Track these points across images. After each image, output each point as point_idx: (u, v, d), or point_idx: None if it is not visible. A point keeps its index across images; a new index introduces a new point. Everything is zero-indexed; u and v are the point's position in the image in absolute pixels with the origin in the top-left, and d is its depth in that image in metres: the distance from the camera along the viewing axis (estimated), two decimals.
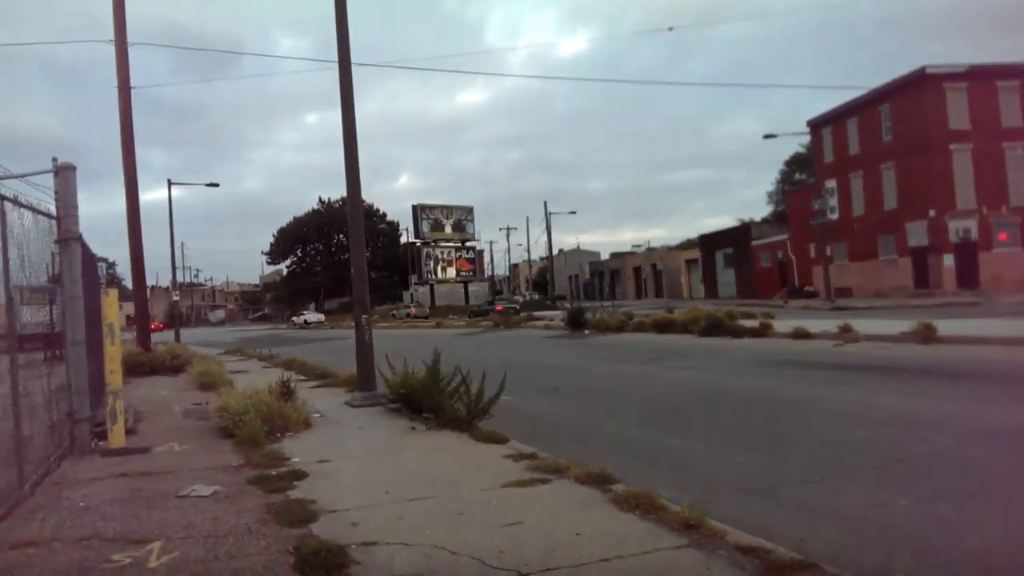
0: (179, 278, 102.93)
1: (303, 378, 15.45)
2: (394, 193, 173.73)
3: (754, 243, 56.21)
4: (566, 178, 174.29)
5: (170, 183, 36.81)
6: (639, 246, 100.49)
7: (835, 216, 39.43)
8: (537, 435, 8.40)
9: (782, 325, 20.57)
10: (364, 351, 10.75)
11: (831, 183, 40.71)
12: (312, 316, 71.67)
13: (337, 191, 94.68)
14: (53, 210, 7.39)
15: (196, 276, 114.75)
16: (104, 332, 7.75)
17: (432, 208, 72.92)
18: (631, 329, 25.01)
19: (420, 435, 8.21)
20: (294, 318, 71.11)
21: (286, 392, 9.18)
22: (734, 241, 59.66)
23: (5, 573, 4.04)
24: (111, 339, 7.71)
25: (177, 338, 37.67)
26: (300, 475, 6.30)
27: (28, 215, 6.65)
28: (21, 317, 9.65)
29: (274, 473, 6.31)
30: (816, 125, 45.84)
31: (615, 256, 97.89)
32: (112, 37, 17.43)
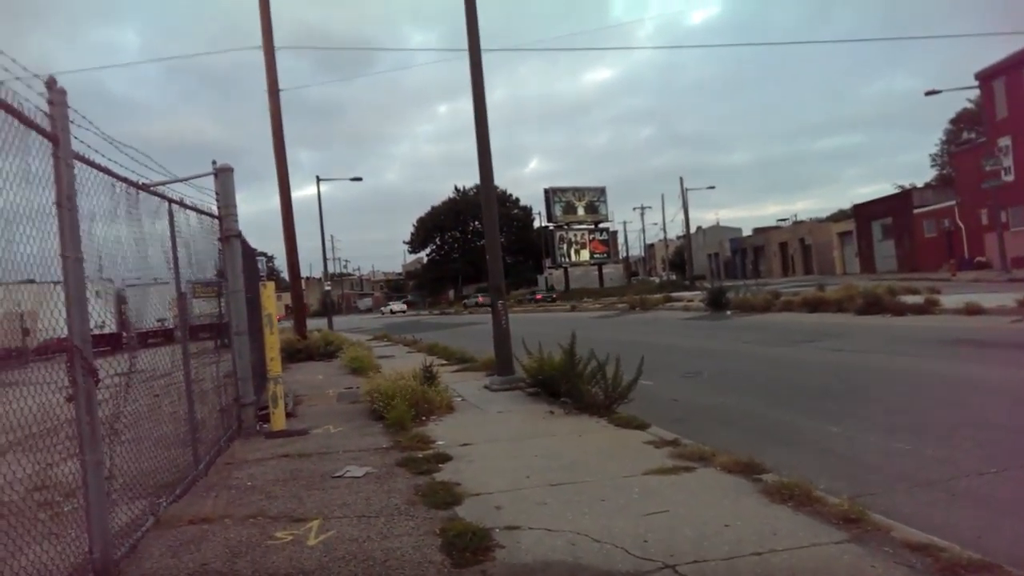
0: (330, 269, 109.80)
1: (444, 363, 15.98)
2: (525, 178, 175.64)
3: (916, 211, 51.61)
4: (702, 152, 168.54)
5: (319, 180, 39.13)
6: (785, 220, 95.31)
7: (1011, 178, 35.32)
8: (678, 420, 8.16)
9: (950, 300, 18.77)
10: (501, 336, 10.89)
11: (1005, 141, 36.51)
12: (397, 306, 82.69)
13: (471, 179, 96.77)
14: (215, 210, 7.99)
15: (345, 266, 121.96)
16: (264, 322, 8.32)
17: (564, 191, 72.78)
18: (778, 309, 23.74)
19: (559, 419, 8.19)
20: (382, 308, 77.86)
21: (429, 377, 9.48)
22: (893, 210, 55.08)
23: (184, 546, 4.42)
24: (270, 328, 8.26)
25: (330, 325, 40.15)
26: (444, 458, 6.47)
27: (193, 215, 7.25)
28: (193, 309, 10.62)
29: (420, 455, 6.52)
30: (986, 77, 41.19)
31: (758, 232, 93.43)
32: (260, 43, 18.65)
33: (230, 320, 8.24)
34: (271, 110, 19.01)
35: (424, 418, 8.48)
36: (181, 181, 6.87)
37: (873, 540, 3.94)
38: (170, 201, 6.06)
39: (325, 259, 43.85)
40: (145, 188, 5.44)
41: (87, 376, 3.85)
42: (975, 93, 44.01)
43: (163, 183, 6.44)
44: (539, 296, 65.33)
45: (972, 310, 16.75)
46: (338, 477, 5.98)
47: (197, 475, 6.05)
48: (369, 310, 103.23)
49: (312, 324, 44.14)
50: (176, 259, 6.05)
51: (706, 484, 5.28)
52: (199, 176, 7.93)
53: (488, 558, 4.06)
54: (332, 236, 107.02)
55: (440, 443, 7.14)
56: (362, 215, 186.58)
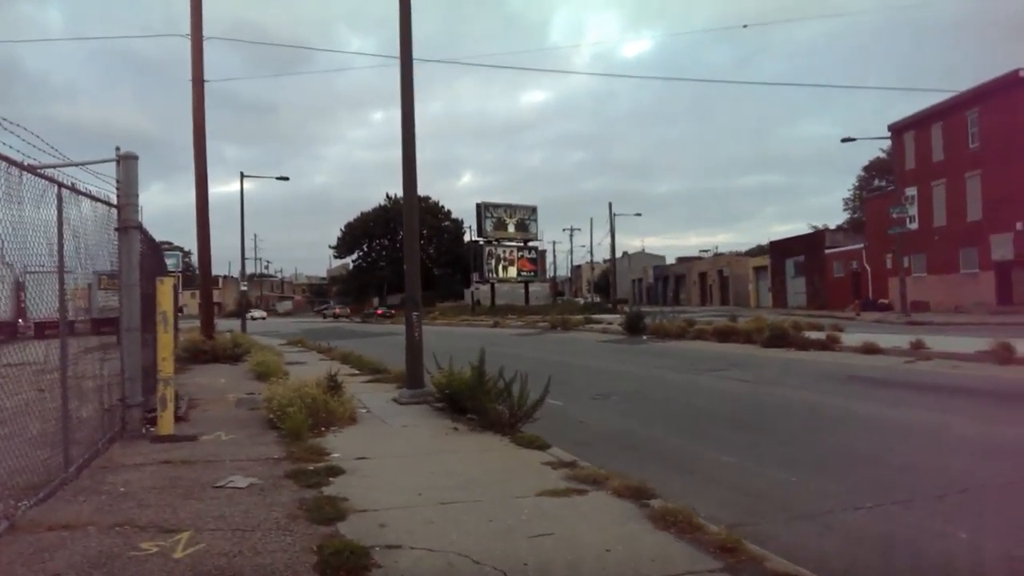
0: (251, 269, 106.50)
1: (356, 372, 15.66)
2: (457, 191, 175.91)
3: (827, 251, 54.22)
4: (631, 179, 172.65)
5: (242, 176, 38.11)
6: (707, 251, 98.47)
7: (915, 226, 37.59)
8: (582, 443, 8.21)
9: (851, 338, 19.68)
10: (413, 349, 10.74)
11: (912, 191, 38.89)
12: (331, 310, 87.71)
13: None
14: (114, 199, 7.59)
15: (267, 267, 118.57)
16: (157, 320, 7.93)
17: (496, 207, 73.02)
18: (691, 336, 24.40)
19: (462, 436, 8.11)
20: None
21: (333, 386, 9.23)
22: (806, 249, 57.71)
23: (37, 554, 4.11)
24: (164, 327, 7.88)
25: (243, 327, 38.85)
26: (337, 471, 6.28)
27: (89, 204, 6.86)
28: (97, 302, 10.01)
29: (311, 468, 6.31)
30: (898, 129, 43.84)
31: (681, 261, 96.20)
32: (188, 32, 18.02)
33: (122, 315, 7.82)
34: (194, 100, 18.34)
35: (324, 429, 8.24)
36: (76, 165, 6.51)
37: (746, 570, 4.02)
38: (59, 185, 5.71)
39: (243, 258, 42.63)
40: (31, 169, 5.10)
41: None
42: (887, 144, 46.67)
43: (56, 165, 6.09)
44: (379, 311, 72.22)
45: (870, 349, 17.61)
46: (220, 487, 5.71)
47: (67, 478, 5.67)
48: (289, 313, 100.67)
49: (227, 325, 42.73)
50: (62, 248, 5.70)
51: (596, 508, 5.29)
52: (99, 161, 7.54)
53: None
54: (255, 235, 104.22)
55: (335, 455, 6.94)
56: (289, 216, 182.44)
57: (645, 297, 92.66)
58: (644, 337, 25.77)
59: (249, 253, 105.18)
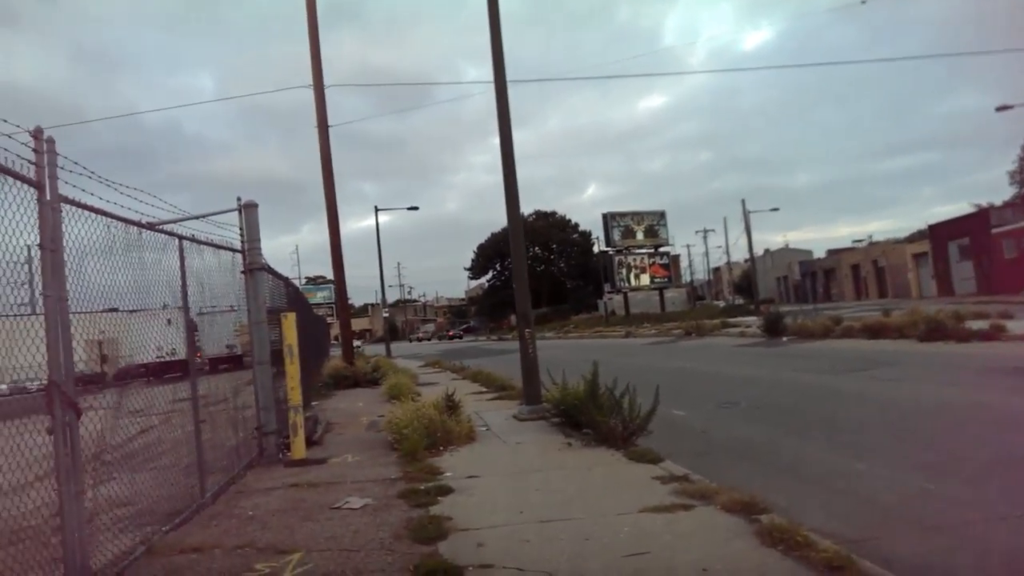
0: (395, 295, 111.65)
1: (484, 390, 15.99)
2: (583, 204, 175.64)
3: (995, 231, 49.06)
4: (765, 174, 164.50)
5: (376, 209, 40.16)
6: (860, 241, 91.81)
7: None
8: (700, 454, 7.94)
9: (1021, 326, 17.68)
10: (529, 364, 10.82)
11: None
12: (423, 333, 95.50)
13: (530, 205, 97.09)
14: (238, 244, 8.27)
15: (409, 293, 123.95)
16: (284, 352, 8.51)
17: (622, 215, 72.26)
18: (837, 335, 22.87)
19: (574, 452, 8.06)
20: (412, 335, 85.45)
21: (451, 406, 9.48)
22: (970, 230, 52.48)
23: (169, 574, 4.52)
24: (290, 359, 8.44)
25: (388, 352, 40.81)
26: (446, 490, 6.44)
27: (209, 250, 7.55)
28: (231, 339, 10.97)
29: (422, 488, 6.51)
30: None
31: (831, 253, 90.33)
32: (311, 82, 19.35)
33: (253, 350, 8.47)
34: (320, 144, 19.63)
35: (441, 448, 8.48)
36: (197, 218, 7.15)
37: None
38: (180, 238, 6.31)
39: (383, 286, 44.79)
40: (151, 227, 5.68)
41: (67, 410, 4.01)
42: None
43: (181, 220, 6.73)
44: (451, 333, 75.26)
45: None
46: (336, 508, 6.02)
47: (203, 504, 6.20)
48: (430, 336, 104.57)
49: (375, 350, 45.09)
50: (185, 291, 6.28)
51: (701, 524, 5.09)
52: (222, 212, 8.23)
53: None
54: (398, 263, 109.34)
55: (448, 475, 7.12)
56: (427, 243, 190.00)
57: (792, 295, 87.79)
58: (784, 339, 24.45)
59: (392, 280, 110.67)
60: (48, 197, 4.12)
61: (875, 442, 7.92)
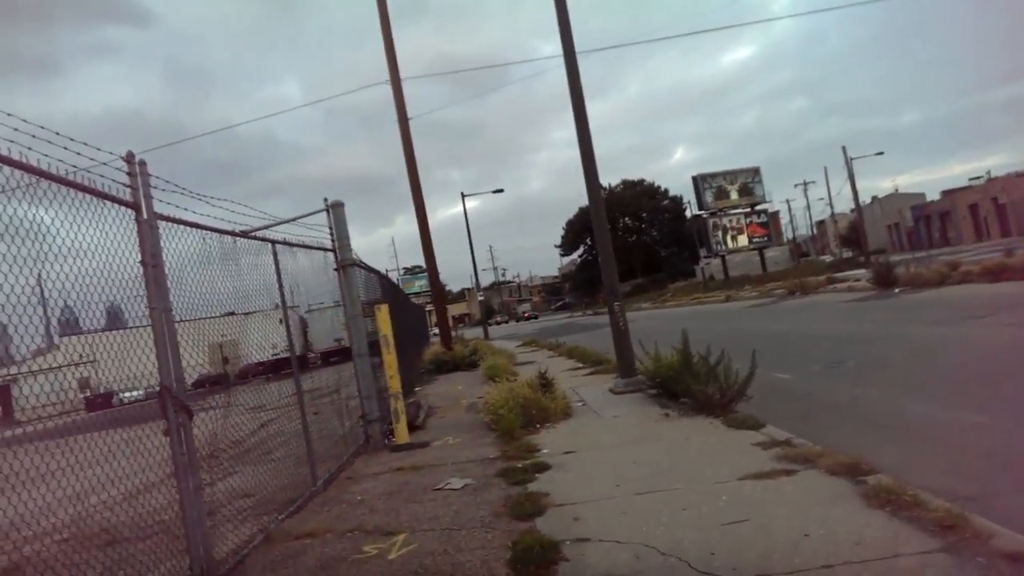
0: (490, 278, 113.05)
1: (580, 366, 16.00)
2: (671, 169, 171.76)
3: None
4: (866, 117, 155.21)
5: (463, 196, 40.63)
6: (977, 178, 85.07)
7: None
8: (806, 417, 7.68)
9: None
10: (621, 337, 10.74)
11: None
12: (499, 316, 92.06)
13: (615, 175, 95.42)
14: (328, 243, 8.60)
15: (503, 274, 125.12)
16: (380, 342, 8.82)
17: (714, 176, 70.11)
18: (954, 281, 21.41)
19: (671, 422, 7.97)
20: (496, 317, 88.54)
21: (545, 384, 9.56)
22: None
23: (282, 561, 4.83)
24: (387, 349, 8.74)
25: (485, 334, 41.50)
26: (543, 467, 6.53)
27: (307, 251, 7.90)
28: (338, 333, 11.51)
29: (519, 465, 6.63)
30: None
31: (945, 195, 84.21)
32: (388, 78, 19.75)
33: (351, 342, 8.82)
34: (402, 137, 20.05)
35: (538, 426, 8.58)
36: (288, 221, 7.49)
37: (968, 549, 3.53)
38: (273, 242, 6.63)
39: (476, 271, 45.49)
40: (244, 235, 6.00)
41: (179, 413, 4.33)
42: None
43: (272, 225, 7.07)
44: (526, 315, 71.80)
45: None
46: (438, 490, 6.23)
47: (315, 491, 6.55)
48: (527, 315, 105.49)
49: (474, 333, 45.99)
50: (282, 291, 6.61)
51: (804, 488, 4.94)
52: (311, 214, 8.57)
53: (551, 572, 4.08)
54: (491, 246, 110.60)
55: (544, 451, 7.21)
56: (516, 223, 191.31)
57: (906, 243, 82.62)
58: (896, 290, 23.11)
59: (486, 263, 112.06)
60: (145, 216, 4.42)
61: (995, 394, 7.41)
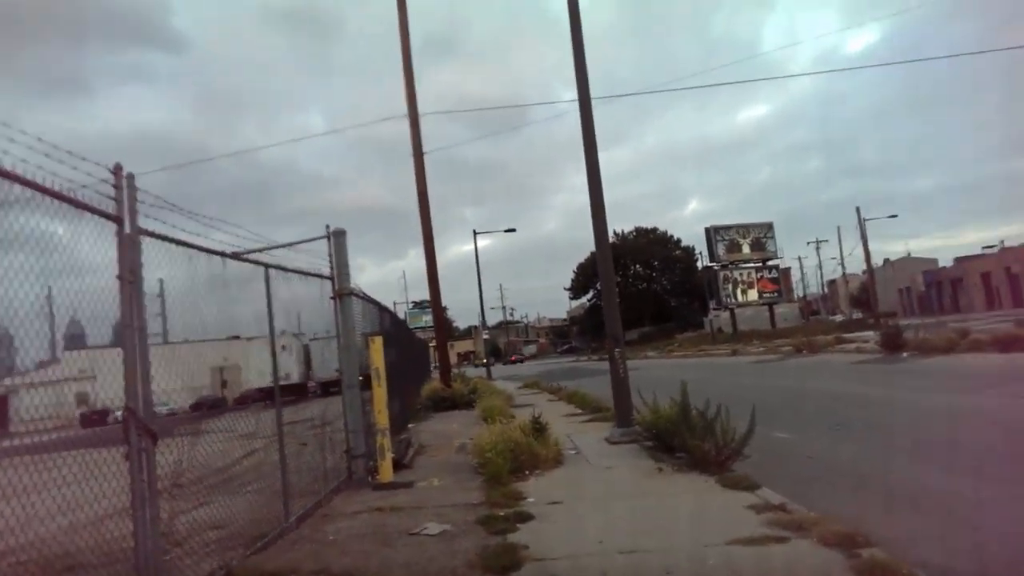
0: (498, 317, 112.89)
1: (578, 411, 15.71)
2: (684, 219, 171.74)
3: None
4: (881, 180, 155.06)
5: (475, 233, 40.74)
6: (991, 247, 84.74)
7: None
8: (803, 480, 7.40)
9: None
10: (620, 386, 10.51)
11: None
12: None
13: (629, 222, 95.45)
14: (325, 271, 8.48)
15: (511, 314, 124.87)
16: (372, 376, 8.62)
17: (727, 228, 70.04)
18: (963, 349, 21.05)
19: (664, 477, 7.69)
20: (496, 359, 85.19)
21: (538, 429, 9.31)
22: None
23: None
24: (377, 382, 8.54)
25: (488, 374, 41.16)
26: (526, 517, 6.27)
27: (314, 279, 7.81)
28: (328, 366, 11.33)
29: (502, 514, 6.37)
30: None
31: (958, 261, 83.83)
32: (405, 111, 19.91)
33: (342, 374, 8.63)
34: (416, 171, 20.11)
35: (528, 472, 8.32)
36: (285, 246, 7.38)
37: None
38: (266, 266, 6.52)
39: (483, 310, 45.61)
40: (235, 256, 5.88)
41: (143, 436, 4.15)
42: None
43: (268, 248, 6.97)
44: (513, 358, 71.88)
45: None
46: (414, 534, 5.97)
47: (287, 528, 6.30)
48: (533, 356, 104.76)
49: (478, 372, 45.63)
50: (271, 316, 6.46)
51: (794, 558, 4.68)
52: (312, 240, 8.48)
53: None
54: (500, 285, 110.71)
55: (530, 500, 6.95)
56: (527, 264, 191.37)
57: (916, 308, 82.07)
58: (904, 355, 22.74)
59: (495, 302, 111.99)
60: (128, 231, 4.31)
61: (1001, 468, 7.12)
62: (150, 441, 4.21)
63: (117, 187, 4.27)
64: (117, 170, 4.29)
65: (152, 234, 4.53)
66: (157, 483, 4.26)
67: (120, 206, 4.27)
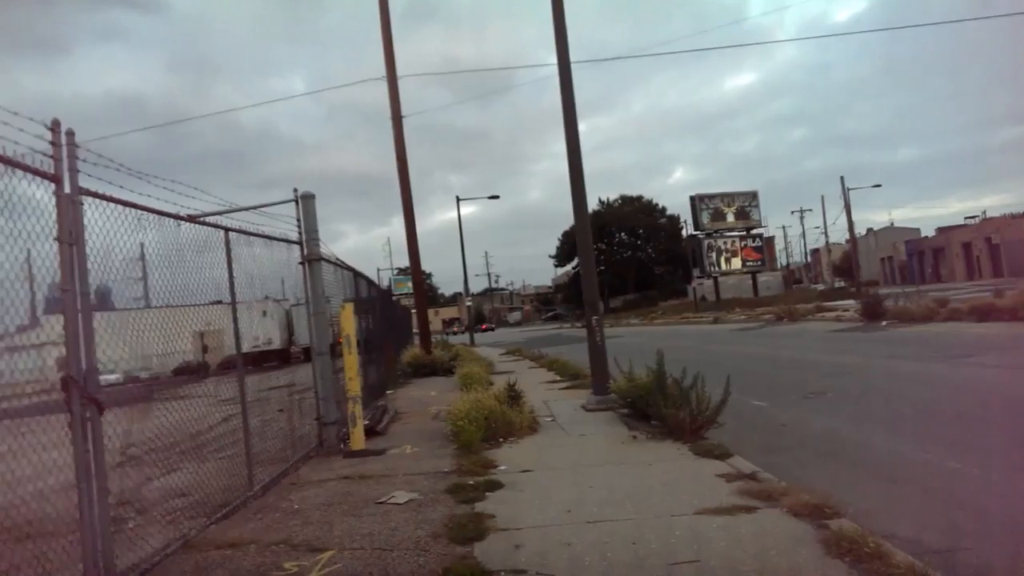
0: (483, 284, 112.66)
1: (558, 379, 15.67)
2: (670, 188, 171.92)
3: None
4: (866, 150, 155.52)
5: (458, 199, 40.34)
6: (973, 217, 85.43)
7: None
8: (776, 448, 7.37)
9: None
10: (597, 353, 10.42)
11: None
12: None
13: (615, 190, 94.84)
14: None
15: (496, 281, 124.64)
16: (343, 343, 8.46)
17: (711, 197, 69.87)
18: (942, 318, 21.21)
19: (638, 445, 7.64)
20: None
21: (513, 396, 9.22)
22: None
23: (196, 572, 4.46)
24: (348, 349, 8.38)
25: (471, 340, 41.12)
26: (496, 485, 6.19)
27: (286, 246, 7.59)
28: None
29: (471, 482, 6.28)
30: None
31: (940, 231, 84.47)
32: (384, 74, 19.45)
33: (312, 341, 8.46)
34: (395, 137, 19.73)
35: (501, 440, 8.24)
36: (250, 209, 7.14)
37: None
38: (226, 229, 6.29)
39: (466, 277, 45.23)
40: (192, 219, 5.65)
41: (88, 406, 3.97)
42: None
43: (227, 212, 6.73)
44: (484, 327, 72.93)
45: None
46: (381, 503, 5.87)
47: (251, 496, 6.18)
48: (518, 323, 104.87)
49: (462, 339, 45.60)
50: (232, 282, 6.26)
51: (762, 529, 4.61)
52: (279, 203, 8.25)
53: None
54: (486, 252, 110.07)
55: (501, 468, 6.87)
56: (513, 232, 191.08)
57: (898, 277, 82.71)
58: (883, 323, 22.88)
59: (481, 269, 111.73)
60: (67, 190, 4.08)
61: (973, 438, 7.12)
62: (96, 410, 4.03)
63: (55, 144, 4.03)
64: (55, 126, 4.04)
65: (94, 194, 4.30)
66: (104, 453, 4.09)
67: (59, 164, 4.03)
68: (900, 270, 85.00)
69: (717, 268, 68.96)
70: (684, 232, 79.34)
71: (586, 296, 10.85)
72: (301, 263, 8.43)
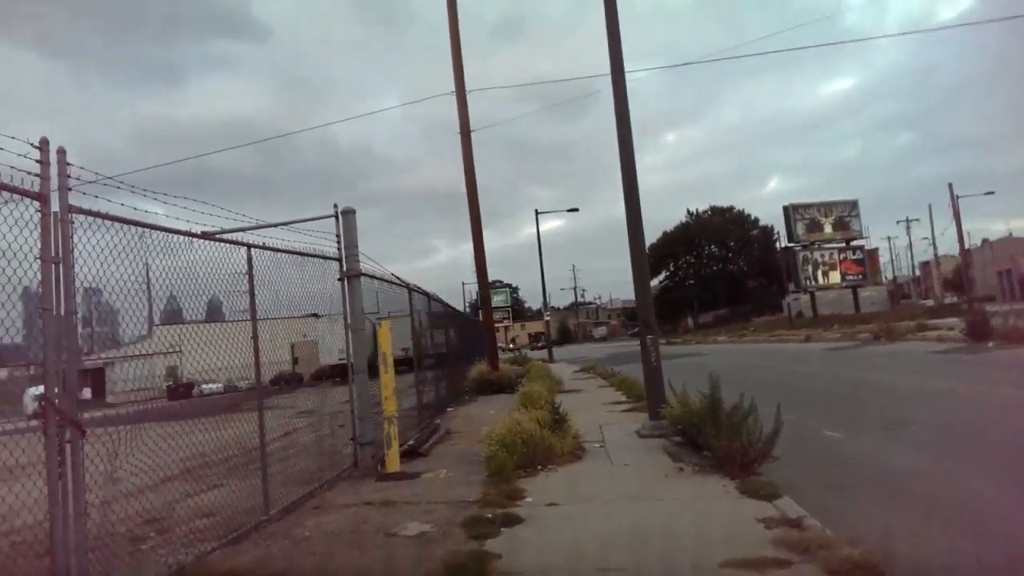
0: (569, 298, 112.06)
1: (623, 399, 15.12)
2: (764, 198, 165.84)
3: None
4: (978, 155, 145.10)
5: (537, 213, 40.17)
6: None
7: None
8: (838, 487, 6.69)
9: None
10: (652, 375, 9.87)
11: None
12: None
13: (704, 201, 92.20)
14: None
15: (583, 295, 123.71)
16: (380, 360, 8.30)
17: (807, 207, 66.75)
18: None
19: (681, 479, 7.07)
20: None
21: (557, 420, 8.82)
22: None
23: None
24: (384, 368, 8.22)
25: (550, 356, 40.74)
26: (514, 520, 5.82)
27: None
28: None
29: (489, 515, 5.94)
30: None
31: None
32: (453, 89, 19.49)
33: (349, 359, 8.35)
34: (463, 152, 19.71)
35: (539, 467, 7.85)
36: (285, 225, 7.10)
37: None
38: (248, 246, 6.23)
39: (544, 291, 44.92)
40: (205, 236, 5.60)
41: (67, 428, 3.89)
42: None
43: (253, 228, 6.69)
44: (541, 345, 69.59)
45: None
46: (390, 535, 5.61)
47: (264, 520, 6.05)
48: (604, 338, 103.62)
49: (541, 354, 45.30)
50: (253, 299, 6.19)
51: None
52: (319, 218, 8.19)
53: None
54: (573, 266, 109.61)
55: (528, 500, 6.49)
56: (600, 245, 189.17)
57: (1017, 292, 76.43)
58: (989, 344, 20.94)
59: (567, 283, 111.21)
60: (55, 208, 4.04)
61: None
62: (77, 433, 3.95)
63: (42, 163, 4.00)
64: (43, 145, 4.02)
65: (86, 212, 4.26)
66: (84, 475, 4.00)
67: (45, 183, 4.00)
68: (1020, 284, 78.50)
69: (814, 282, 65.76)
70: (778, 244, 76.16)
71: (641, 315, 10.34)
72: (340, 279, 8.35)
